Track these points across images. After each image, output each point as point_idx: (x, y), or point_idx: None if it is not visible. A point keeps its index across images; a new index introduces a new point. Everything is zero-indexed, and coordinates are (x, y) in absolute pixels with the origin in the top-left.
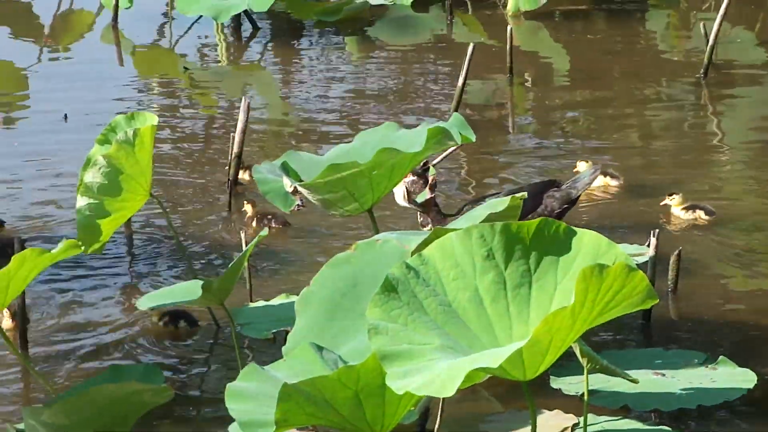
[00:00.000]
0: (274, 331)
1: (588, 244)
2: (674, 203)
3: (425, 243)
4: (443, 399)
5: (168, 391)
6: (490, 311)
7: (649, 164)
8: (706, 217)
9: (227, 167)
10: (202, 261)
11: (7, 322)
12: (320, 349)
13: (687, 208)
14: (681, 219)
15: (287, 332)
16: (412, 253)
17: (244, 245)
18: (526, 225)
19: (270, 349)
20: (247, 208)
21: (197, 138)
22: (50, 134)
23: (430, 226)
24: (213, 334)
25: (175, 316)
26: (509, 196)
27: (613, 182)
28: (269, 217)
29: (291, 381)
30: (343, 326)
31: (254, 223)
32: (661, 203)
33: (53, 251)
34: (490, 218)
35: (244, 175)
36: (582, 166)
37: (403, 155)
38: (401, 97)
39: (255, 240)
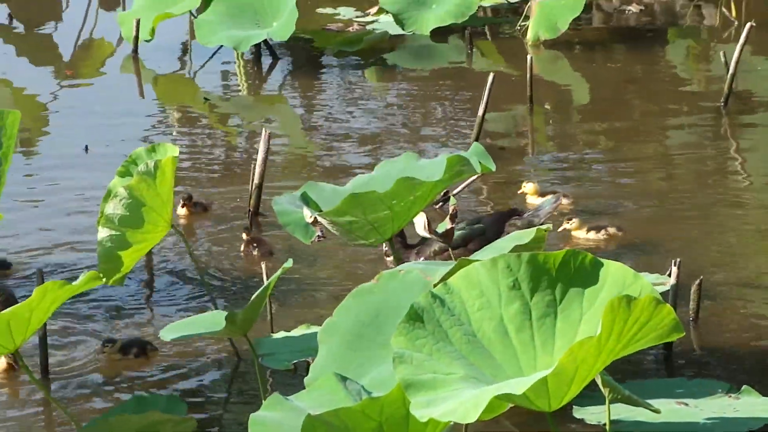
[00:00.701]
0: (295, 361)
1: (614, 275)
2: (573, 227)
3: (449, 273)
4: (465, 429)
5: (191, 421)
6: (515, 341)
7: (670, 191)
8: (618, 233)
9: (248, 197)
10: (224, 291)
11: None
12: (344, 379)
13: (591, 229)
14: (587, 239)
15: (308, 363)
16: (436, 284)
17: (265, 276)
18: (552, 256)
19: (291, 379)
20: (244, 235)
21: (218, 168)
22: (71, 165)
23: (392, 258)
24: (234, 364)
25: (128, 345)
26: (534, 228)
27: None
28: (254, 244)
29: (314, 411)
30: (365, 356)
31: (242, 249)
32: (559, 229)
33: (75, 283)
34: (516, 250)
35: (181, 210)
36: (529, 187)
37: (423, 185)
38: (421, 127)
39: (278, 272)
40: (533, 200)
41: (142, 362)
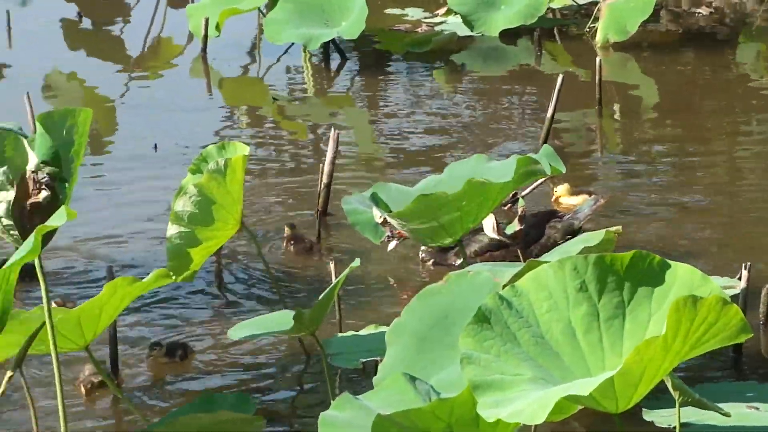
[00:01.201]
0: (364, 361)
1: (682, 277)
2: (561, 191)
3: (518, 275)
4: (534, 431)
5: (259, 420)
6: (583, 343)
7: (740, 194)
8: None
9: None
10: (292, 290)
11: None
12: (413, 379)
13: (576, 193)
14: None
15: (377, 362)
16: (504, 286)
17: (333, 275)
18: (619, 257)
19: (359, 379)
20: (287, 230)
21: (286, 168)
22: (140, 164)
23: (394, 243)
24: (303, 363)
25: (173, 348)
26: (604, 230)
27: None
28: (292, 241)
29: (383, 411)
30: (432, 357)
31: (284, 245)
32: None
33: (144, 280)
34: (584, 252)
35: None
36: (560, 189)
37: (492, 186)
38: (489, 128)
39: (346, 271)
40: (567, 200)
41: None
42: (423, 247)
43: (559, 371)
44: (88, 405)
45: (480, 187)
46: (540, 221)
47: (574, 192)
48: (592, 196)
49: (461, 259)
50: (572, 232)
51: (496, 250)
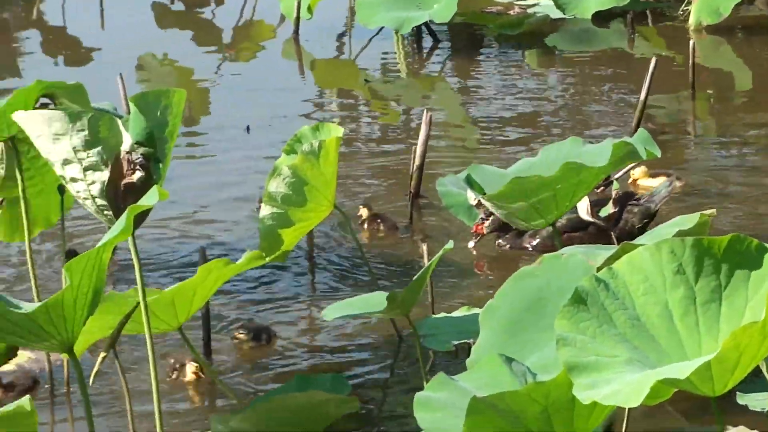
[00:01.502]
0: (456, 342)
1: None
2: (639, 174)
3: (612, 258)
4: (628, 415)
5: (354, 401)
6: (680, 326)
7: None
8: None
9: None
10: (384, 272)
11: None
12: (508, 360)
13: (654, 175)
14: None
15: (469, 344)
16: (599, 268)
17: (425, 257)
18: (717, 241)
19: (452, 360)
20: (363, 211)
21: (378, 150)
22: (232, 145)
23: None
24: (395, 345)
25: (258, 332)
26: (697, 213)
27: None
28: (378, 220)
29: (478, 392)
30: (526, 339)
31: (365, 226)
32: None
33: (238, 262)
34: (679, 235)
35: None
36: (638, 171)
37: (588, 170)
38: (581, 111)
39: (440, 253)
40: (645, 182)
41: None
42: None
43: (654, 354)
44: (180, 386)
45: (576, 170)
46: (616, 203)
47: (652, 174)
48: (668, 178)
49: (536, 242)
50: (649, 216)
51: (575, 232)
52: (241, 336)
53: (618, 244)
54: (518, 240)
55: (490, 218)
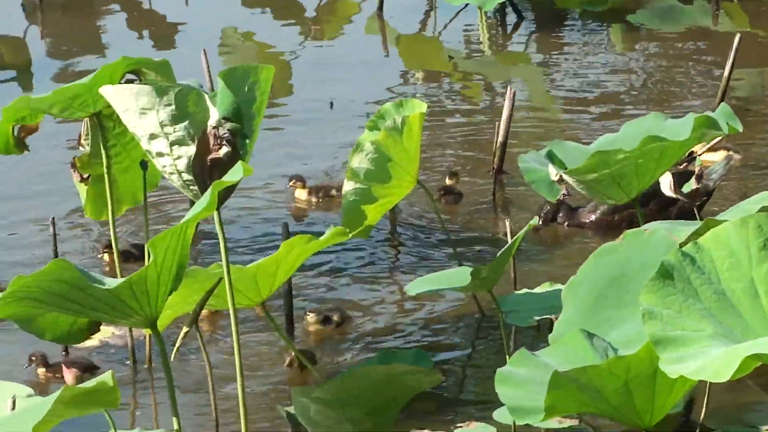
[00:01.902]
0: (538, 318)
1: None
2: (698, 147)
3: (696, 233)
4: (709, 389)
5: (436, 375)
6: (765, 302)
7: None
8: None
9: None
10: (467, 248)
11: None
12: (590, 336)
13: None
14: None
15: (551, 320)
16: (682, 244)
17: (509, 233)
18: None
19: (534, 336)
20: (451, 180)
21: (462, 126)
22: (316, 121)
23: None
24: (477, 321)
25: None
26: None
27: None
28: (441, 191)
29: (560, 368)
30: (608, 315)
31: (440, 195)
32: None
33: (321, 238)
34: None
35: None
36: (698, 145)
37: (669, 144)
38: (665, 87)
39: (524, 229)
40: (706, 157)
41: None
42: (546, 207)
43: (740, 329)
44: (262, 360)
45: (657, 144)
46: (674, 180)
47: (712, 148)
48: (726, 155)
49: (594, 216)
50: (708, 194)
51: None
52: (309, 318)
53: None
54: (575, 215)
55: (543, 211)
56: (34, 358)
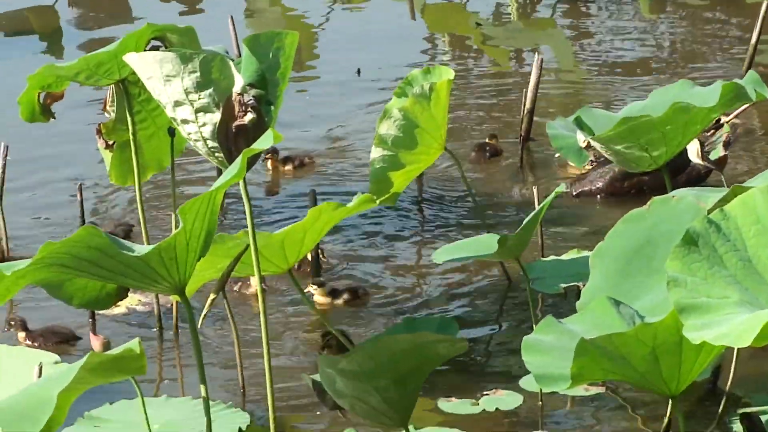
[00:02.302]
0: (565, 286)
1: None
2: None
3: (723, 200)
4: (736, 357)
5: (463, 343)
6: None
7: None
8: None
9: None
10: (494, 215)
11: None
12: (617, 303)
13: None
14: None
15: (578, 287)
16: (709, 210)
17: (536, 200)
18: None
19: (560, 304)
20: (492, 140)
21: (489, 93)
22: (343, 88)
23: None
24: (504, 288)
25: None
26: None
27: None
28: (477, 148)
29: (587, 335)
30: (636, 282)
31: (475, 153)
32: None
33: (348, 205)
34: None
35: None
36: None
37: (697, 111)
38: (692, 55)
39: (551, 196)
40: None
41: (407, 288)
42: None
43: (765, 296)
44: (288, 327)
45: (685, 111)
46: (684, 150)
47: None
48: (729, 123)
49: (601, 184)
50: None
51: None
52: (315, 290)
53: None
54: (582, 184)
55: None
56: (13, 323)
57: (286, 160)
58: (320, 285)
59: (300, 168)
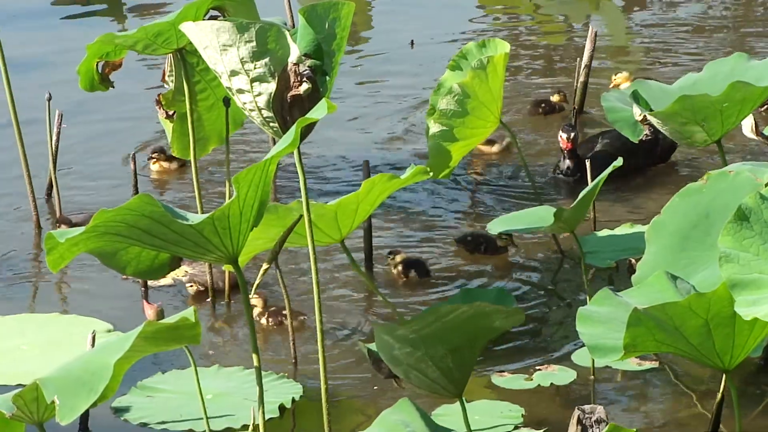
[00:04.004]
0: (617, 260)
1: None
2: (620, 79)
3: None
4: None
5: (519, 314)
6: None
7: None
8: None
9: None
10: (547, 188)
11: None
12: (674, 278)
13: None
14: None
15: (629, 262)
16: (766, 185)
17: (589, 174)
18: None
19: (612, 278)
20: (555, 97)
21: (542, 66)
22: (396, 60)
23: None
24: (558, 261)
25: (408, 264)
26: None
27: None
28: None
29: (641, 306)
30: (692, 257)
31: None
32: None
33: (402, 177)
34: None
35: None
36: (620, 76)
37: (754, 89)
38: (746, 28)
39: (608, 170)
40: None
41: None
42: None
43: None
44: (342, 298)
45: (742, 88)
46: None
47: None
48: None
49: (566, 166)
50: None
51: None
52: (392, 260)
53: (655, 165)
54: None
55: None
56: None
57: None
58: (395, 254)
59: None
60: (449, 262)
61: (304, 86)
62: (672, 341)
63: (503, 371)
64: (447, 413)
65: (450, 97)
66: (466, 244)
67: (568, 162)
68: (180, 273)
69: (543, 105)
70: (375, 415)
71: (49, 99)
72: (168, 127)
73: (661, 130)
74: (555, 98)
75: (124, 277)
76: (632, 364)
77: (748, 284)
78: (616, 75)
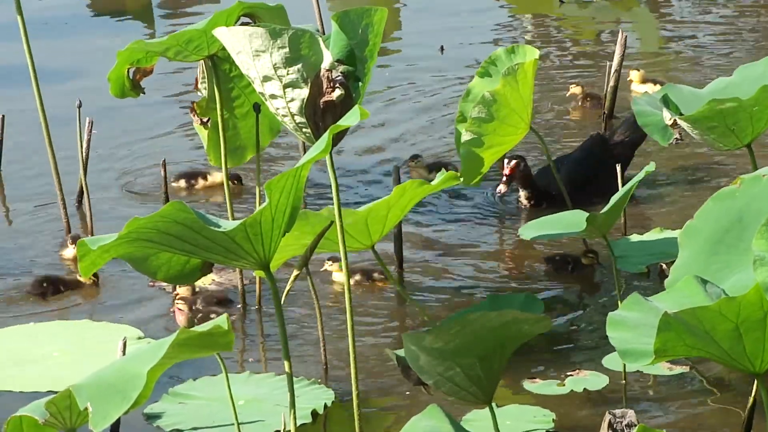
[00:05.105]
0: (648, 265)
1: None
2: (635, 77)
3: None
4: None
5: (547, 321)
6: None
7: None
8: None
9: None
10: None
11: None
12: (704, 282)
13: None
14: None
15: (660, 266)
16: None
17: (619, 180)
18: None
19: (643, 283)
20: (575, 89)
21: (570, 72)
22: (426, 65)
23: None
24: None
25: (564, 261)
26: None
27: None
28: (588, 98)
29: (671, 312)
30: (726, 261)
31: (579, 104)
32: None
33: (432, 182)
34: None
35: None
36: (634, 74)
37: None
38: None
39: (640, 174)
40: (636, 87)
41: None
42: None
43: None
44: (372, 303)
45: None
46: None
47: (644, 80)
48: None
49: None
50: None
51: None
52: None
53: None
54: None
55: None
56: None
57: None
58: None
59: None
60: (477, 265)
61: (337, 92)
62: (702, 345)
63: (534, 377)
64: (477, 418)
65: (481, 105)
66: (554, 263)
67: (501, 186)
68: (207, 281)
69: (588, 98)
70: (406, 419)
71: (80, 106)
72: (203, 134)
73: (692, 135)
74: (576, 90)
75: (151, 283)
76: (663, 368)
77: None
78: (630, 73)
